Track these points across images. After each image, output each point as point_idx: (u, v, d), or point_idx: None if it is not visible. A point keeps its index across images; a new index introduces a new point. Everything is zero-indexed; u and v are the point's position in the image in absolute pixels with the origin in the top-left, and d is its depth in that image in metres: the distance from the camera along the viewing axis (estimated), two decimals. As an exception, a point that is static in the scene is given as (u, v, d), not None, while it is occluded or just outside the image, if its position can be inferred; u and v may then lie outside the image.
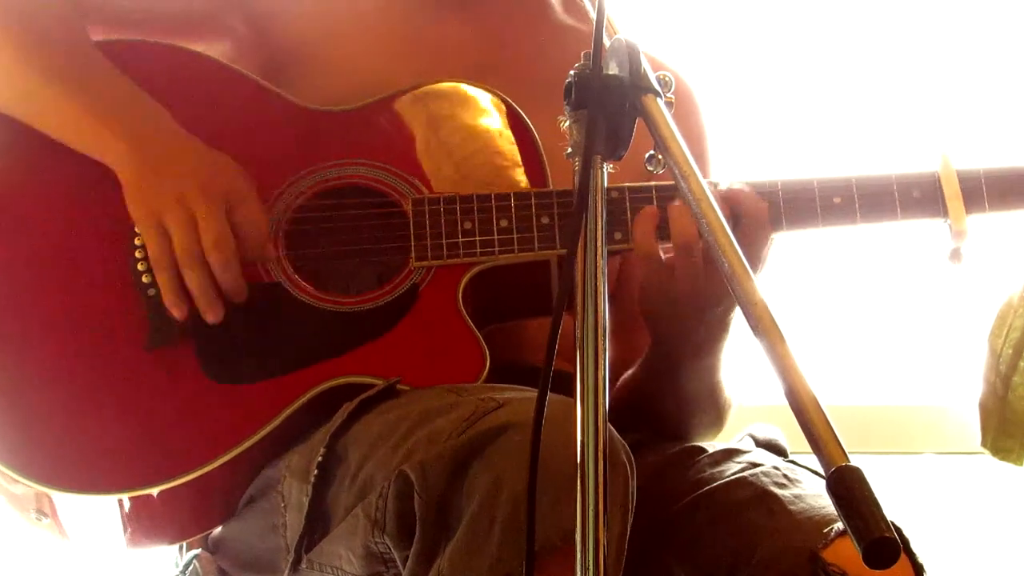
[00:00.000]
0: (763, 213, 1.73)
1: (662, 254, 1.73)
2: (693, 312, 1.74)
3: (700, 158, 1.98)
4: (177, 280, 1.73)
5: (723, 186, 1.76)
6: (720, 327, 1.78)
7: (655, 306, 1.77)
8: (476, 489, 1.47)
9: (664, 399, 1.89)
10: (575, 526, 1.23)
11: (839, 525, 1.63)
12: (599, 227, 1.28)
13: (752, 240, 1.72)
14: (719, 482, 1.76)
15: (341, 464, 1.64)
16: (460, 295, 1.77)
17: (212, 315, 1.74)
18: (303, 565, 1.66)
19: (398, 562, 1.54)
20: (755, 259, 1.73)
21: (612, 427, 1.55)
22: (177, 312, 1.74)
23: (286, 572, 1.67)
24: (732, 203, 1.72)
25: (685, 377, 1.85)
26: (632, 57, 1.30)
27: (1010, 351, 1.89)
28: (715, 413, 1.91)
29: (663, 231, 1.73)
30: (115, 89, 1.80)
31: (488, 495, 1.45)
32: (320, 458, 1.64)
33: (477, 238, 1.78)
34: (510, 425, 1.48)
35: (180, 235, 1.72)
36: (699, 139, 2.01)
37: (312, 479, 1.64)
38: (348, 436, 1.65)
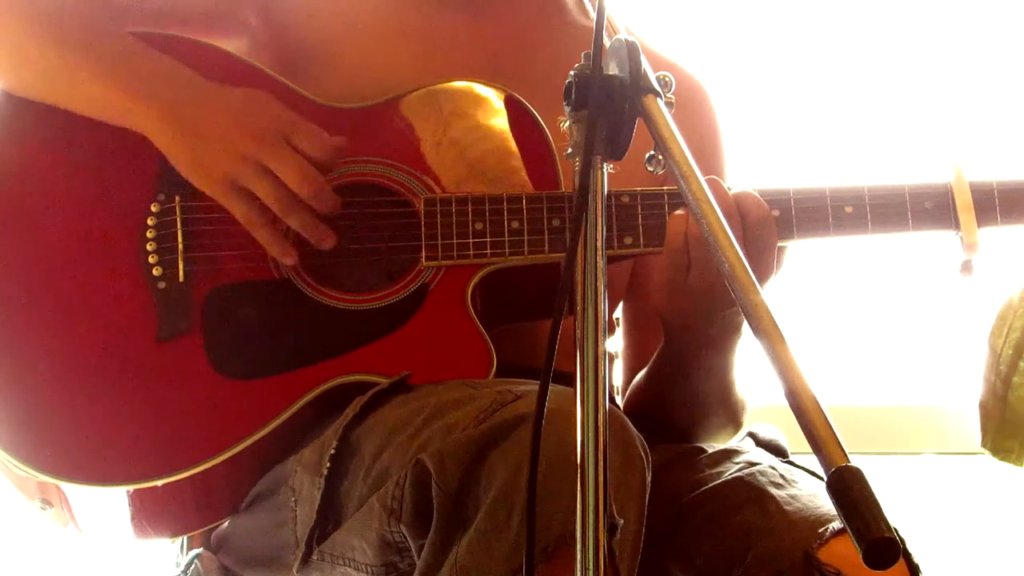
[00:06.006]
0: (767, 213, 1.72)
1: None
2: (706, 309, 1.73)
3: (714, 155, 1.98)
4: (276, 231, 1.75)
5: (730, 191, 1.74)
6: (732, 326, 1.78)
7: (669, 301, 1.76)
8: (495, 478, 1.47)
9: (674, 399, 1.88)
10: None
11: (834, 525, 1.63)
12: (599, 228, 1.28)
13: (759, 240, 1.71)
14: (716, 482, 1.76)
15: (354, 457, 1.64)
16: (469, 296, 1.77)
17: (329, 241, 1.76)
18: (314, 557, 1.66)
19: (413, 551, 1.54)
20: (766, 264, 1.72)
21: (629, 419, 1.56)
22: (290, 259, 1.76)
23: (296, 566, 1.67)
24: (738, 207, 1.71)
25: (695, 376, 1.84)
26: (632, 57, 1.30)
27: (1010, 351, 1.89)
28: (726, 414, 1.90)
29: None
30: (136, 57, 1.80)
31: (507, 484, 1.45)
32: (332, 451, 1.65)
33: (488, 239, 1.77)
34: (529, 415, 1.46)
35: (266, 189, 1.73)
36: (713, 135, 2.00)
37: (324, 471, 1.65)
38: (361, 429, 1.66)
